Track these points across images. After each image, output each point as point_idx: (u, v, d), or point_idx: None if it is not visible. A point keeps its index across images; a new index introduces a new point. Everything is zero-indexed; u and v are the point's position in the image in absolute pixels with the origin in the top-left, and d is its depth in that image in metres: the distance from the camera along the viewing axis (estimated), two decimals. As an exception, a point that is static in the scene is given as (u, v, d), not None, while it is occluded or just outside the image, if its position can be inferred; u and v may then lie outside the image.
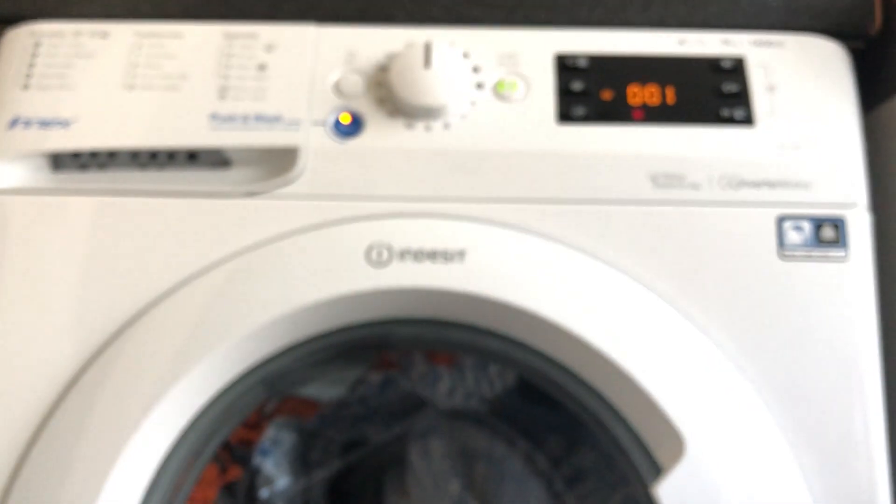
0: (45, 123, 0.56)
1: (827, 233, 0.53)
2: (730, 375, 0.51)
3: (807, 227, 0.53)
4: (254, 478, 0.63)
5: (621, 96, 0.56)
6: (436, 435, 0.66)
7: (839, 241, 0.53)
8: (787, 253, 0.53)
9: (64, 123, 0.56)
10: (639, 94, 0.56)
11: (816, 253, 0.53)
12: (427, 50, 0.55)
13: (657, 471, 0.50)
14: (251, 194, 0.54)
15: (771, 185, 0.54)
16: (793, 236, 0.53)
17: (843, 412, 0.51)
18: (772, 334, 0.52)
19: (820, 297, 0.52)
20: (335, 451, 0.67)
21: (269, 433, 0.63)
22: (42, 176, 0.56)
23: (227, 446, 0.61)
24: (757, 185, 0.54)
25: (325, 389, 0.65)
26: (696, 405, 0.50)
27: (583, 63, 0.57)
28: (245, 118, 0.55)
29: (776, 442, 0.50)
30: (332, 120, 0.56)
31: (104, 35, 0.58)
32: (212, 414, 0.53)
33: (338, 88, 0.56)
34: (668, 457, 0.50)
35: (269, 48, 0.57)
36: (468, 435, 0.66)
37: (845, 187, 0.54)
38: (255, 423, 0.62)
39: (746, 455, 0.49)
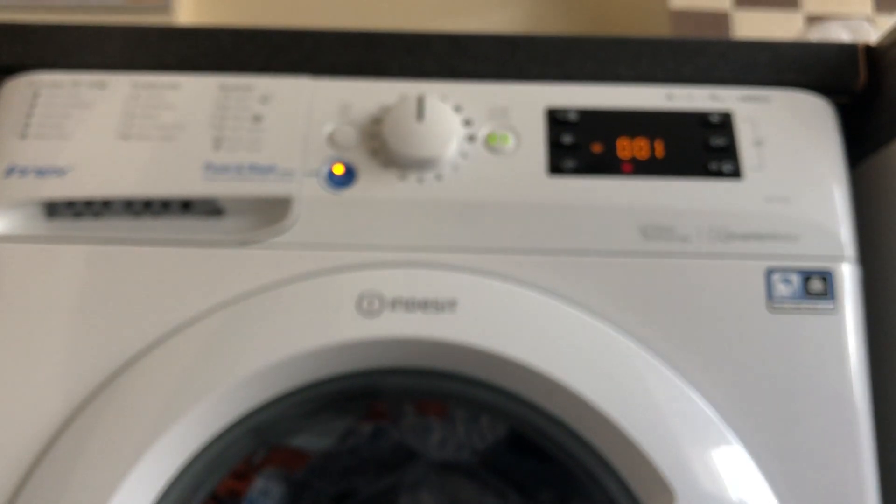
0: (41, 172, 0.56)
1: (815, 285, 0.54)
2: (719, 429, 0.51)
3: (795, 279, 0.54)
4: (241, 530, 0.63)
5: (611, 149, 0.57)
6: (426, 487, 0.65)
7: (827, 293, 0.54)
8: (775, 305, 0.53)
9: (60, 172, 0.56)
10: (628, 147, 0.57)
11: (805, 305, 0.53)
12: (420, 103, 0.56)
13: (648, 524, 0.50)
14: (244, 243, 0.55)
15: (759, 237, 0.55)
16: (781, 289, 0.54)
17: (834, 465, 0.51)
18: (761, 386, 0.52)
19: (809, 349, 0.53)
20: (324, 502, 0.66)
21: (258, 484, 0.63)
22: (37, 224, 0.56)
23: (214, 497, 0.60)
24: (745, 237, 0.55)
25: (314, 440, 0.64)
26: (687, 459, 0.50)
27: (573, 117, 0.58)
28: (239, 168, 0.56)
29: (766, 496, 0.50)
30: (325, 170, 0.56)
31: (102, 85, 0.59)
32: (200, 464, 0.53)
33: (332, 140, 0.57)
34: (660, 510, 0.49)
35: (265, 100, 0.58)
36: (459, 487, 0.66)
37: (833, 240, 0.55)
38: (244, 474, 0.62)
39: (738, 509, 0.49)
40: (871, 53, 0.61)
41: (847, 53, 0.61)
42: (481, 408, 0.59)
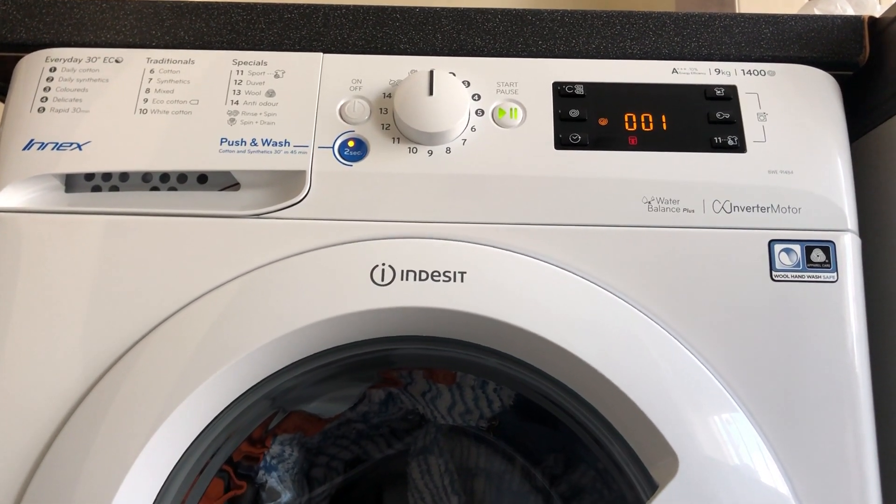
0: (59, 146, 0.57)
1: (817, 256, 0.54)
2: (722, 394, 0.52)
3: (797, 250, 0.55)
4: (258, 493, 0.64)
5: (617, 123, 0.58)
6: (436, 451, 0.67)
7: (829, 263, 0.54)
8: (778, 275, 0.54)
9: (77, 146, 0.57)
10: (634, 120, 0.58)
11: (807, 275, 0.54)
12: (430, 78, 0.57)
13: (653, 487, 0.52)
14: (259, 215, 0.56)
15: (762, 209, 0.55)
16: (784, 259, 0.54)
17: (834, 431, 0.52)
18: (764, 354, 0.53)
19: (811, 318, 0.54)
20: (338, 466, 0.67)
21: (274, 449, 0.64)
22: (55, 196, 0.57)
23: (231, 461, 0.62)
24: (749, 209, 0.55)
25: (328, 406, 0.65)
26: (690, 424, 0.51)
27: (580, 91, 0.59)
28: (254, 142, 0.57)
29: (767, 460, 0.51)
30: (337, 144, 0.57)
31: (118, 61, 0.60)
32: (217, 429, 0.54)
33: (344, 114, 0.58)
34: (663, 474, 0.51)
35: (278, 75, 0.59)
36: (467, 451, 0.67)
37: (834, 212, 0.55)
38: (260, 439, 0.63)
39: (738, 473, 0.50)
40: (875, 27, 0.61)
41: (851, 27, 0.61)
42: (489, 375, 0.60)
